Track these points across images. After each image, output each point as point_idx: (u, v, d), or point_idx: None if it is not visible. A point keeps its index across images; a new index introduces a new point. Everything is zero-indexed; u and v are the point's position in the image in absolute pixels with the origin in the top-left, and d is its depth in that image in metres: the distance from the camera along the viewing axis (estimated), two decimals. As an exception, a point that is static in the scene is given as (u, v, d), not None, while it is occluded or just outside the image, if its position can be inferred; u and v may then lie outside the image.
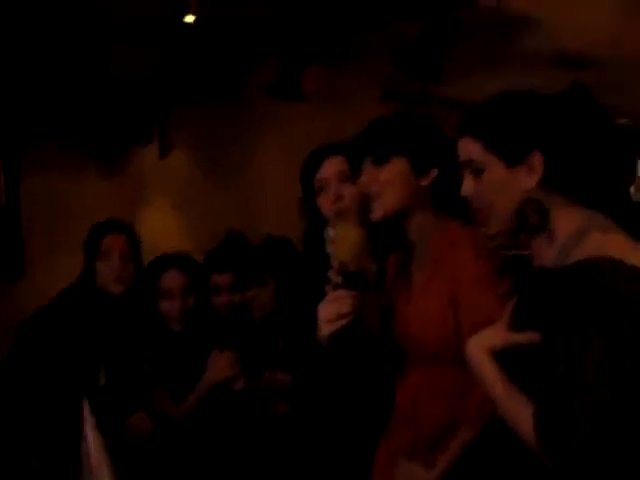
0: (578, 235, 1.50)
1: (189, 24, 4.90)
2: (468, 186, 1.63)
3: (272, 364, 2.81)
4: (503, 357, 1.58)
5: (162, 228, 6.40)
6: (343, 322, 1.87)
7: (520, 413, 1.47)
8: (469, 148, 1.62)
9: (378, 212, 1.95)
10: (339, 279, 1.88)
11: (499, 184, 1.58)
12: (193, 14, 4.65)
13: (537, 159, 1.53)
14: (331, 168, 2.24)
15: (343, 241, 1.91)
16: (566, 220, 1.52)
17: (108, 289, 2.74)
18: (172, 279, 2.89)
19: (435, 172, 1.93)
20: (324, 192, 2.24)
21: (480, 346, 1.59)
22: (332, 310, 1.87)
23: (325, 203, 2.24)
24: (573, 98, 1.61)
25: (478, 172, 1.60)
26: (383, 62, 5.35)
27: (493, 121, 1.59)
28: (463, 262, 1.84)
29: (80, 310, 2.70)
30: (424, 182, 1.93)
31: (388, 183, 1.93)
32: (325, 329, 1.89)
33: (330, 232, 2.20)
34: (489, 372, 1.56)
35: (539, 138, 1.54)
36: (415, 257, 2.01)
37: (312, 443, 2.32)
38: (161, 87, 6.22)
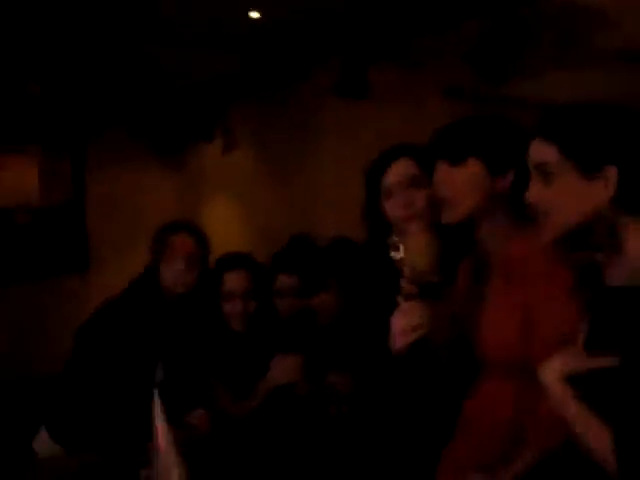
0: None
1: (254, 20, 4.90)
2: (536, 190, 1.57)
3: (336, 368, 2.78)
4: (579, 380, 1.51)
5: (223, 225, 6.42)
6: (420, 334, 1.82)
7: (596, 436, 1.40)
8: (543, 150, 1.55)
9: (451, 215, 1.88)
10: (414, 289, 1.82)
11: (571, 192, 1.52)
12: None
13: (612, 174, 1.48)
14: (400, 172, 2.18)
15: (418, 249, 1.85)
16: (636, 239, 1.47)
17: (170, 289, 2.73)
18: (235, 281, 2.87)
19: (512, 175, 1.84)
20: (392, 197, 2.18)
21: (554, 370, 1.52)
22: (407, 322, 1.82)
23: (393, 209, 2.18)
24: None
25: (549, 177, 1.54)
26: (449, 61, 5.27)
27: (574, 126, 1.54)
28: (539, 274, 1.77)
29: (141, 309, 2.69)
30: (500, 184, 1.85)
31: (463, 184, 1.86)
32: (400, 341, 1.84)
33: (395, 239, 2.14)
34: (563, 395, 1.49)
35: (617, 153, 1.49)
36: (490, 265, 1.93)
37: (371, 450, 2.28)
38: (226, 83, 6.23)
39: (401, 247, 1.91)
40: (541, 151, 1.56)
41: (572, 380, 1.50)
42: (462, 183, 1.85)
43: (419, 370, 2.00)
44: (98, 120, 6.66)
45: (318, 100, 5.83)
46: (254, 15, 4.85)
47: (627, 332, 1.39)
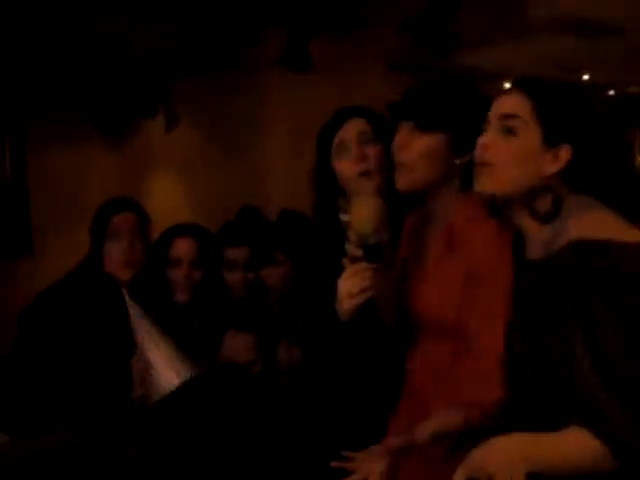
0: (561, 220, 1.51)
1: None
2: (492, 139, 1.58)
3: (286, 341, 2.78)
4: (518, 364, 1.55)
5: (168, 202, 6.35)
6: (366, 296, 1.83)
7: (568, 443, 1.42)
8: (518, 103, 1.57)
9: (406, 183, 1.88)
10: (359, 252, 1.83)
11: (528, 154, 1.54)
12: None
13: (567, 150, 1.53)
14: (354, 129, 2.19)
15: (362, 212, 1.86)
16: (578, 216, 1.51)
17: (117, 274, 2.65)
18: (184, 247, 2.82)
19: (472, 152, 1.86)
20: (345, 154, 2.19)
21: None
22: (353, 284, 1.83)
23: (347, 165, 2.19)
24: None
25: (511, 132, 1.55)
26: (390, 31, 5.27)
27: (553, 94, 1.57)
28: (483, 238, 1.79)
29: (85, 295, 2.63)
30: (459, 161, 1.86)
31: (426, 154, 1.86)
32: (347, 304, 1.85)
33: (343, 201, 2.15)
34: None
35: (578, 132, 1.54)
36: (431, 226, 1.96)
37: (321, 418, 2.30)
38: (165, 58, 6.15)
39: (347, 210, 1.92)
40: (514, 103, 1.57)
41: None
42: (425, 152, 1.86)
43: (365, 334, 2.01)
44: (37, 99, 6.51)
45: (261, 73, 5.79)
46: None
47: (552, 302, 1.43)
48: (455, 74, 6.01)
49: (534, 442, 1.42)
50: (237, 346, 2.77)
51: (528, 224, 1.58)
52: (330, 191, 2.25)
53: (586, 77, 7.95)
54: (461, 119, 1.85)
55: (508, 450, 1.41)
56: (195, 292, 2.86)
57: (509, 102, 1.59)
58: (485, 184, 1.59)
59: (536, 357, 1.48)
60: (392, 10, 4.86)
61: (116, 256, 2.63)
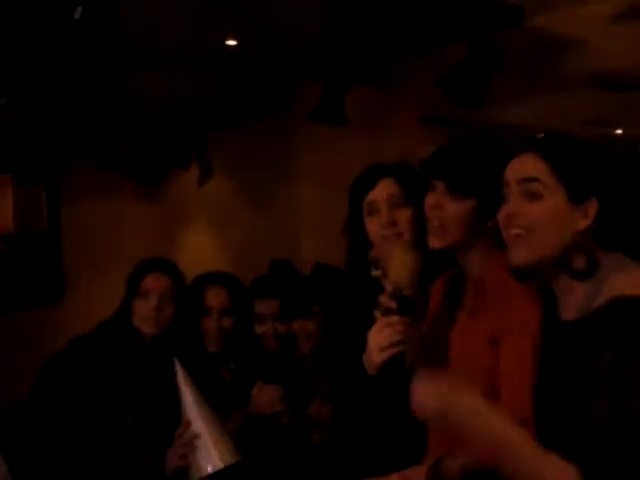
0: (598, 279, 1.48)
1: (231, 47, 4.90)
2: (518, 205, 1.55)
3: (318, 397, 2.75)
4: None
5: (200, 253, 6.38)
6: (397, 350, 1.79)
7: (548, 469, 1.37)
8: (535, 166, 1.54)
9: (438, 242, 1.86)
10: (393, 304, 1.80)
11: (557, 215, 1.52)
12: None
13: (593, 205, 1.51)
14: (384, 191, 2.17)
15: (401, 264, 1.83)
16: (614, 272, 1.49)
17: (142, 329, 2.66)
18: (215, 296, 2.86)
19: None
20: (375, 215, 2.18)
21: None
22: (385, 337, 1.79)
23: (375, 227, 2.18)
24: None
25: (535, 196, 1.53)
26: (425, 86, 5.31)
27: (571, 151, 1.55)
28: (513, 300, 1.76)
29: (110, 347, 2.63)
30: (490, 224, 1.85)
31: (458, 218, 1.83)
32: (377, 357, 1.81)
33: (375, 256, 2.14)
34: (498, 419, 1.45)
35: (603, 187, 1.52)
36: (462, 284, 1.93)
37: (351, 473, 2.26)
38: (202, 110, 6.23)
39: (383, 264, 1.90)
40: (532, 167, 1.54)
41: None
42: (458, 216, 1.83)
43: (395, 389, 1.97)
44: (72, 149, 6.62)
45: (295, 126, 5.84)
46: (231, 43, 4.86)
47: (582, 359, 1.40)
48: (487, 129, 6.03)
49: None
50: (264, 398, 2.74)
51: (563, 284, 1.54)
52: (361, 245, 2.24)
53: (619, 131, 7.95)
54: (492, 183, 1.83)
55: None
56: (226, 342, 2.85)
57: (526, 166, 1.55)
58: (521, 255, 1.55)
59: (563, 415, 1.45)
60: (426, 63, 4.90)
61: (143, 314, 2.64)
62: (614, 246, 1.52)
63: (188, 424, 2.49)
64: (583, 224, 1.51)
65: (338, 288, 2.65)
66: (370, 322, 1.86)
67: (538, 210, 1.53)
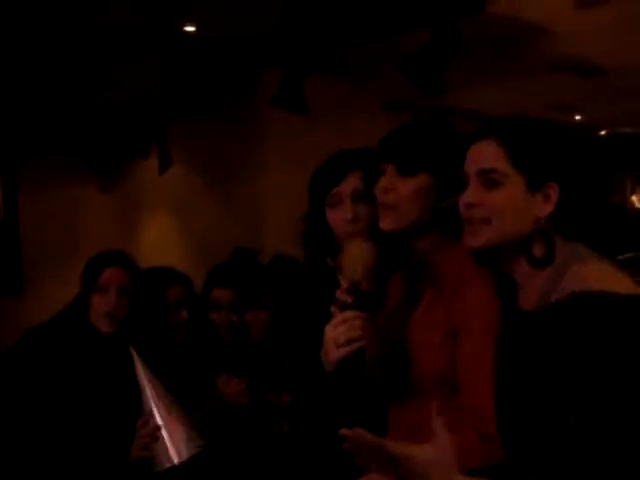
0: (558, 270, 1.46)
1: (189, 33, 4.84)
2: (477, 194, 1.53)
3: (276, 387, 2.75)
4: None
5: (161, 243, 6.32)
6: (355, 346, 1.74)
7: None
8: (493, 154, 1.52)
9: (391, 223, 1.83)
10: (349, 299, 1.76)
11: (517, 202, 1.50)
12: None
13: (555, 190, 1.49)
14: (350, 185, 2.14)
15: (356, 258, 1.79)
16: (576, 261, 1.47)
17: (98, 326, 2.61)
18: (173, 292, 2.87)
19: (458, 196, 1.82)
20: (337, 207, 2.15)
21: None
22: (342, 333, 1.74)
23: (339, 221, 2.15)
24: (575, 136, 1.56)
25: (494, 184, 1.51)
26: (385, 72, 5.29)
27: (526, 137, 1.52)
28: (472, 289, 1.74)
29: (66, 341, 2.58)
30: (445, 204, 1.81)
31: (410, 196, 1.80)
32: (334, 353, 1.76)
33: (334, 247, 2.12)
34: None
35: (562, 172, 1.49)
36: (425, 279, 1.90)
37: (312, 462, 2.24)
38: (160, 99, 6.16)
39: (338, 258, 1.87)
40: (489, 155, 1.52)
41: None
42: (409, 194, 1.81)
43: (351, 384, 1.93)
44: (30, 140, 6.50)
45: (256, 114, 5.80)
46: (189, 29, 4.80)
47: (543, 352, 1.39)
48: (450, 115, 6.03)
49: None
50: (231, 390, 2.76)
51: (522, 272, 1.52)
52: (322, 236, 2.21)
53: (578, 117, 8.00)
54: (444, 161, 1.80)
55: None
56: (188, 332, 2.86)
57: (483, 155, 1.53)
58: (480, 239, 1.52)
59: (526, 408, 1.43)
60: (387, 50, 4.88)
61: (102, 309, 2.59)
62: (575, 235, 1.50)
63: (149, 414, 2.46)
64: (545, 210, 1.49)
65: (294, 279, 2.64)
66: (327, 316, 1.83)
67: (497, 198, 1.50)
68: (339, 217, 2.13)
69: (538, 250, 1.49)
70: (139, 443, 2.45)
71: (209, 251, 3.15)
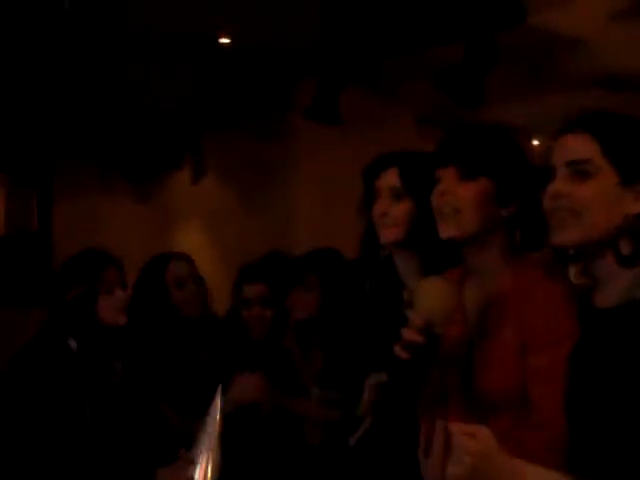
0: None
1: (225, 45, 4.84)
2: (566, 186, 1.45)
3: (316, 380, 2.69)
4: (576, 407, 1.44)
5: (193, 252, 6.31)
6: None
7: None
8: (585, 146, 1.45)
9: (453, 229, 1.77)
10: (420, 339, 1.64)
11: (607, 196, 1.43)
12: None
13: None
14: (387, 181, 2.14)
15: (436, 296, 1.67)
16: None
17: (113, 321, 2.56)
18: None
19: (518, 204, 1.73)
20: (377, 201, 2.17)
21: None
22: None
23: (376, 212, 2.16)
24: None
25: (584, 175, 1.44)
26: (420, 86, 5.25)
27: (620, 128, 1.46)
28: (543, 303, 1.68)
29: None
30: (505, 213, 1.75)
31: (471, 200, 1.72)
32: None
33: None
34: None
35: None
36: (471, 285, 1.84)
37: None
38: (194, 110, 6.18)
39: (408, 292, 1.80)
40: (582, 147, 1.46)
41: None
42: (470, 199, 1.73)
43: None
44: (65, 150, 6.56)
45: (289, 126, 5.79)
46: (224, 40, 4.81)
47: (622, 352, 1.33)
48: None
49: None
50: (246, 385, 2.64)
51: (605, 269, 1.45)
52: (370, 230, 2.23)
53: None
54: (505, 166, 1.75)
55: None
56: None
57: (574, 145, 1.47)
58: (568, 234, 1.45)
59: (600, 409, 1.37)
60: (423, 63, 4.85)
61: (112, 307, 2.55)
62: None
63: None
64: (635, 207, 1.42)
65: (337, 265, 2.64)
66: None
67: (587, 191, 1.43)
68: (376, 210, 2.13)
69: (626, 248, 1.42)
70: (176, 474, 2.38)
71: (241, 261, 3.12)
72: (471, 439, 1.29)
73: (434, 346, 1.66)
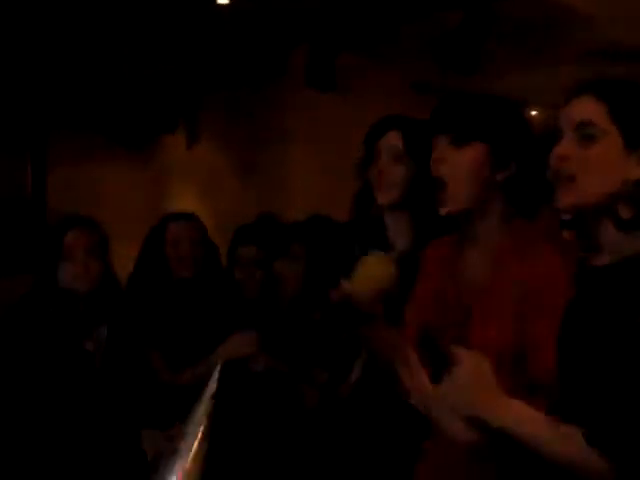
0: None
1: (222, 7, 4.80)
2: (570, 148, 1.46)
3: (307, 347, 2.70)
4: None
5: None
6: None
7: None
8: (591, 108, 1.45)
9: (451, 205, 1.75)
10: (336, 300, 1.75)
11: (610, 160, 1.43)
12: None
13: None
14: (387, 141, 2.15)
15: (366, 274, 1.75)
16: None
17: (74, 287, 2.53)
18: (179, 229, 2.84)
19: (514, 168, 1.73)
20: (376, 161, 2.18)
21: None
22: None
23: (373, 172, 2.17)
24: None
25: (589, 139, 1.44)
26: (416, 54, 5.24)
27: (628, 92, 1.47)
28: (543, 264, 1.69)
29: (43, 314, 2.51)
30: (500, 177, 1.75)
31: (465, 168, 1.72)
32: None
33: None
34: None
35: None
36: (469, 253, 1.84)
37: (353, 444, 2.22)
38: (188, 75, 6.15)
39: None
40: (588, 109, 1.46)
41: None
42: (464, 166, 1.73)
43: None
44: (59, 115, 6.53)
45: (284, 91, 5.77)
46: (222, 1, 4.76)
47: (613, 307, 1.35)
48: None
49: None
50: (236, 339, 2.68)
51: (606, 234, 1.48)
52: (365, 190, 2.23)
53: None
54: (498, 128, 1.74)
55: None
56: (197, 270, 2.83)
57: (581, 108, 1.47)
58: (567, 199, 1.46)
59: (588, 362, 1.40)
60: (418, 30, 4.83)
61: (71, 273, 2.51)
62: None
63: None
64: (636, 172, 1.43)
65: (323, 234, 2.66)
66: None
67: (591, 154, 1.44)
68: (375, 169, 2.15)
69: (625, 212, 1.43)
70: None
71: (236, 224, 3.13)
72: (470, 358, 1.34)
73: (352, 317, 1.73)
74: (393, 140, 2.16)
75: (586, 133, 1.44)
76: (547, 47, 5.58)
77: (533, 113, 6.73)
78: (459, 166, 1.74)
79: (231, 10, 4.84)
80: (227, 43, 5.42)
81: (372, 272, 1.78)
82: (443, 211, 1.76)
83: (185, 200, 6.77)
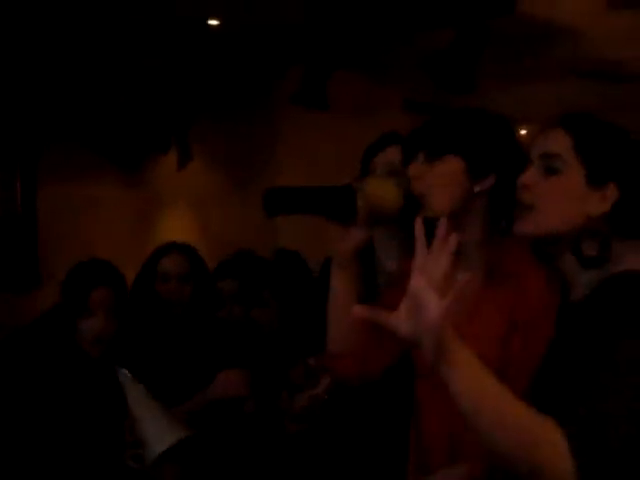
0: (610, 267, 1.42)
1: (214, 28, 4.80)
2: (532, 176, 1.47)
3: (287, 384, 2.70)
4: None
5: (179, 238, 6.29)
6: None
7: (532, 432, 1.25)
8: (558, 140, 1.47)
9: (428, 211, 1.73)
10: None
11: (571, 193, 1.44)
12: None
13: (613, 192, 1.43)
14: (386, 156, 2.17)
15: (379, 187, 1.71)
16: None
17: (87, 349, 2.45)
18: (172, 263, 2.77)
19: (492, 180, 1.72)
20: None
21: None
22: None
23: None
24: None
25: (552, 170, 1.45)
26: (409, 72, 5.24)
27: (595, 129, 1.47)
28: (535, 282, 1.68)
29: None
30: (478, 188, 1.75)
31: (438, 181, 1.73)
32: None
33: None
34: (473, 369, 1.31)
35: (624, 172, 1.45)
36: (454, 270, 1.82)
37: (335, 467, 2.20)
38: (181, 95, 6.14)
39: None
40: (555, 141, 1.47)
41: None
42: (437, 180, 1.73)
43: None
44: (51, 132, 6.50)
45: (276, 111, 5.77)
46: (213, 22, 4.77)
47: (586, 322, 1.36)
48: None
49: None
50: (228, 380, 2.62)
51: (573, 268, 1.48)
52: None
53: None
54: (473, 142, 1.73)
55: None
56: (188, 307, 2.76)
57: (549, 140, 1.48)
58: (524, 226, 1.47)
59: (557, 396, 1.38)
60: (410, 50, 4.83)
61: (89, 332, 2.43)
62: (633, 234, 1.44)
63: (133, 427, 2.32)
64: (600, 209, 1.43)
65: (296, 274, 2.74)
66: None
67: (553, 185, 1.45)
68: None
69: (588, 249, 1.43)
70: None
71: (227, 247, 3.14)
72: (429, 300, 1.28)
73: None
74: (391, 155, 2.16)
75: (550, 164, 1.45)
76: (539, 65, 5.60)
77: (522, 132, 6.76)
78: (432, 179, 1.73)
79: (222, 31, 4.84)
80: (218, 63, 5.42)
81: (384, 183, 1.74)
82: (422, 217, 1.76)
83: (177, 219, 6.75)
